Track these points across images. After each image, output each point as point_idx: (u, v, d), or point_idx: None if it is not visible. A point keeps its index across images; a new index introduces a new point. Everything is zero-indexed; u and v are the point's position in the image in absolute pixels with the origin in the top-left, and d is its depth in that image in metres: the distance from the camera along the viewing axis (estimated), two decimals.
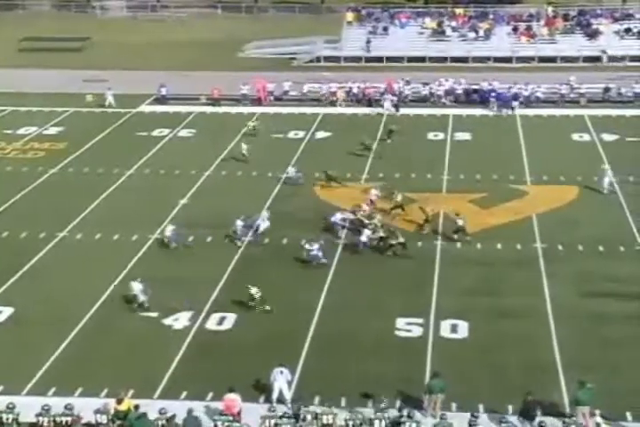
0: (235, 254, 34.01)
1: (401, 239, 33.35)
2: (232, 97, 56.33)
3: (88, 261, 33.38)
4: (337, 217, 35.61)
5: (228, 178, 42.68)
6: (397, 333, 28.07)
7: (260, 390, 24.60)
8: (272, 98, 57.12)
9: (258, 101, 56.40)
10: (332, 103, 55.92)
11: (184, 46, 74.06)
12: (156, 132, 50.53)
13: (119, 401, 23.02)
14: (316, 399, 24.14)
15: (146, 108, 55.85)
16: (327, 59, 69.12)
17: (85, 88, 58.91)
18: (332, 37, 71.87)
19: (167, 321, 28.97)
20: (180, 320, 28.99)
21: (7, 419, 22.46)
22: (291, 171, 41.86)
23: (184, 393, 24.61)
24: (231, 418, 22.62)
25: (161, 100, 56.66)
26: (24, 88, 58.34)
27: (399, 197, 37.29)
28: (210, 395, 24.52)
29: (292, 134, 50.13)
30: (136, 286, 29.57)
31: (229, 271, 32.66)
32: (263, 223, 35.45)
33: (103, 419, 22.81)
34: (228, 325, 28.84)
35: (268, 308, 29.24)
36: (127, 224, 36.55)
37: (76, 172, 43.62)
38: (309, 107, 55.44)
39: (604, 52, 67.26)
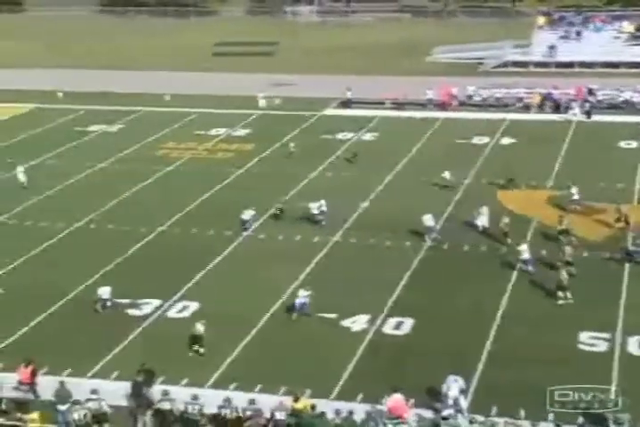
0: (414, 258, 33.84)
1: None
2: (417, 101, 56.18)
3: (271, 261, 34.02)
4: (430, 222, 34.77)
5: (409, 182, 42.55)
6: (581, 346, 27.08)
7: (434, 396, 24.26)
8: (457, 103, 56.60)
9: (442, 106, 56.02)
10: (526, 108, 54.69)
11: (371, 50, 74.56)
12: (340, 136, 51.04)
13: (296, 399, 23.34)
14: (494, 410, 23.60)
15: (331, 111, 56.53)
16: (516, 64, 67.82)
17: (273, 91, 60.28)
18: (521, 42, 70.47)
19: (345, 323, 29.10)
20: (357, 323, 29.05)
21: (193, 409, 23.26)
22: (447, 174, 41.26)
23: (360, 396, 24.64)
24: (398, 420, 22.46)
25: (346, 103, 57.22)
26: (216, 91, 60.30)
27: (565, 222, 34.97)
28: (385, 399, 24.42)
29: (476, 140, 49.47)
30: (301, 294, 29.71)
31: (409, 275, 32.53)
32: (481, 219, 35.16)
33: (282, 415, 23.16)
34: (405, 329, 28.67)
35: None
36: (312, 225, 37.02)
37: (260, 172, 44.64)
38: (494, 112, 54.53)
39: None
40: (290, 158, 46.23)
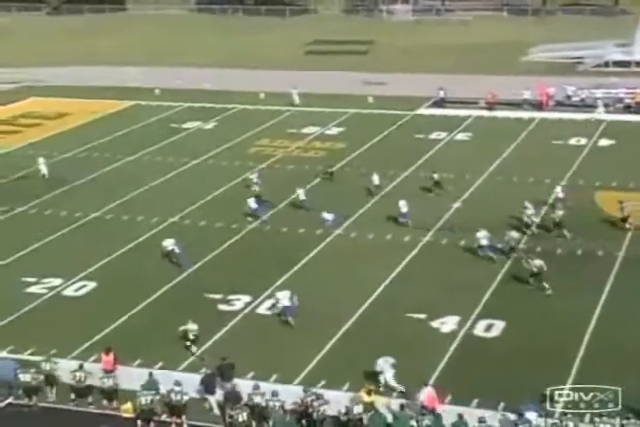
0: (506, 261, 33.36)
1: None
2: (513, 101, 55.39)
3: (361, 260, 33.99)
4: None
5: (502, 183, 42.00)
6: None
7: (524, 400, 23.82)
8: (554, 103, 55.58)
9: (539, 106, 55.08)
10: (627, 108, 53.42)
11: (466, 49, 73.82)
12: (433, 135, 50.66)
13: (369, 392, 23.64)
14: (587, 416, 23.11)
15: (424, 110, 56.17)
16: (617, 63, 66.14)
17: (366, 90, 60.18)
18: (623, 41, 68.78)
19: (434, 324, 28.90)
20: (447, 324, 28.81)
21: (274, 406, 23.40)
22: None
23: (449, 397, 24.39)
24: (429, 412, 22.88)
25: (439, 102, 56.75)
26: (310, 89, 60.55)
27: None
28: (474, 402, 24.19)
29: (573, 141, 48.51)
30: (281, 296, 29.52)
31: (500, 277, 32.09)
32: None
33: (359, 409, 23.34)
34: (495, 332, 28.30)
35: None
36: (399, 224, 36.86)
37: (352, 172, 44.61)
38: (592, 113, 53.33)
39: None
40: (380, 158, 46.09)
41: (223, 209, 39.56)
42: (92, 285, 32.45)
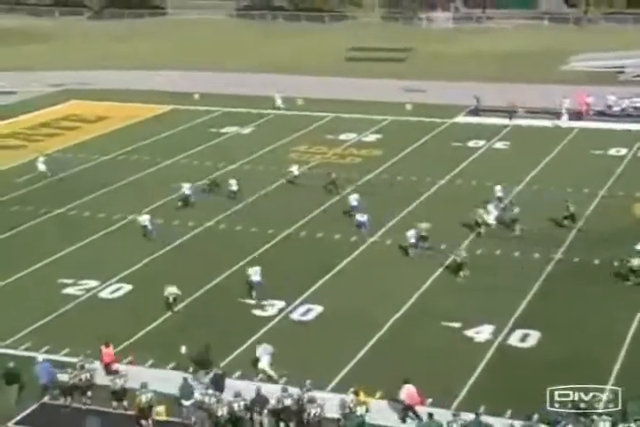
0: (544, 269, 33.13)
1: None
2: (552, 110, 55.00)
3: (397, 267, 33.91)
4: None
5: (540, 193, 41.70)
6: None
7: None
8: (593, 112, 55.11)
9: (578, 115, 54.65)
10: None
11: (506, 57, 73.41)
12: (471, 143, 50.45)
13: (357, 393, 23.91)
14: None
15: (462, 118, 55.95)
16: None
17: (404, 97, 60.08)
18: None
19: (469, 333, 28.74)
20: (482, 334, 28.65)
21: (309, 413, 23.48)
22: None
23: (482, 407, 24.21)
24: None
25: (475, 111, 56.39)
26: (348, 96, 60.54)
27: None
28: (508, 412, 24.06)
29: (612, 151, 48.07)
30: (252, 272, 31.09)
31: (537, 287, 31.85)
32: None
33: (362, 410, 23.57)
34: (531, 342, 28.10)
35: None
36: (435, 232, 36.71)
37: (390, 178, 44.48)
38: (634, 123, 52.85)
39: None
40: (420, 165, 45.98)
41: (259, 214, 39.64)
42: (127, 287, 32.67)
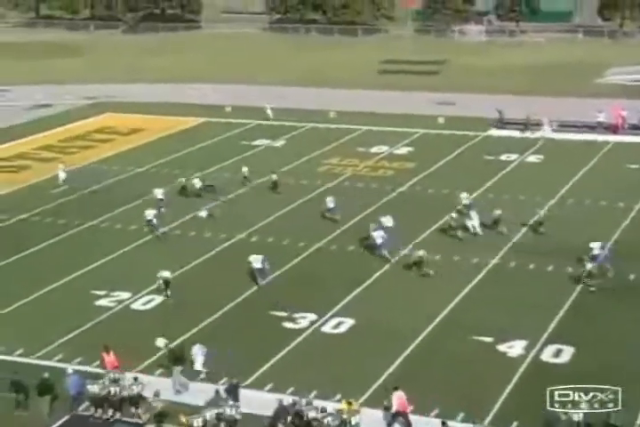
0: (576, 284, 32.80)
1: None
2: (587, 124, 54.61)
3: (428, 280, 33.72)
4: None
5: (573, 207, 41.36)
6: None
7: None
8: (628, 126, 54.63)
9: (613, 129, 54.21)
10: None
11: (540, 70, 73.08)
12: (503, 157, 50.18)
13: (349, 403, 23.80)
14: None
15: (495, 131, 55.65)
16: None
17: (437, 110, 59.93)
18: None
19: (501, 347, 28.48)
20: (514, 348, 28.39)
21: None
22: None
23: (515, 423, 23.94)
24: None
25: (499, 124, 55.82)
26: (380, 108, 60.49)
27: None
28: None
29: None
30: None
31: (570, 302, 31.53)
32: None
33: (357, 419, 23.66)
34: (565, 357, 27.80)
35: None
36: (468, 245, 36.53)
37: (421, 191, 44.38)
38: None
39: None
40: (452, 178, 45.79)
41: (291, 227, 39.64)
42: (159, 299, 32.75)
